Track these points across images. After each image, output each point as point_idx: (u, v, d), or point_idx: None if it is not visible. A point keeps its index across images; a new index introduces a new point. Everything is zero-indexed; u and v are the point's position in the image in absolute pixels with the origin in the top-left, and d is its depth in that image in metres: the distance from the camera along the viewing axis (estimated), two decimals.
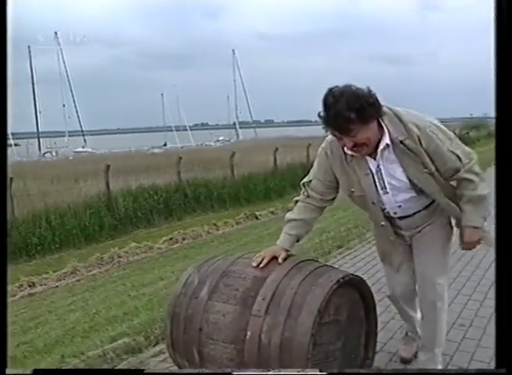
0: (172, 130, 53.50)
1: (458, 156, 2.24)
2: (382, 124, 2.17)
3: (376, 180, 2.30)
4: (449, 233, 2.53)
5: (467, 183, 2.30)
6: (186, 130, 54.61)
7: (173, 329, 2.20)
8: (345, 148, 2.21)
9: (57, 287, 6.76)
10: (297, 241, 2.45)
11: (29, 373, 1.26)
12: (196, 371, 2.10)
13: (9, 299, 6.18)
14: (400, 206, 2.37)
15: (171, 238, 8.98)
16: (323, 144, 2.40)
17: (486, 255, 4.82)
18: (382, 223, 2.45)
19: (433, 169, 2.24)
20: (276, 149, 15.13)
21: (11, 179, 9.33)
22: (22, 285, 6.96)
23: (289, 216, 2.48)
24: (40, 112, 47.92)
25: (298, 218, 2.44)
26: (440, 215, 2.48)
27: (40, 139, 46.69)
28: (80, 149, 39.27)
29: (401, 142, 2.18)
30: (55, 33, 49.32)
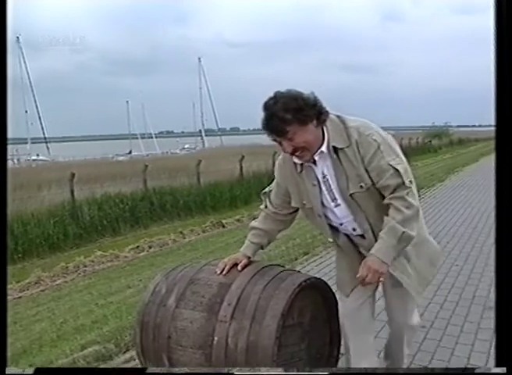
0: (137, 138, 53.09)
1: (398, 171, 2.06)
2: (325, 131, 2.10)
3: (325, 191, 2.17)
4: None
5: (395, 213, 2.06)
6: (151, 137, 54.32)
7: (143, 337, 2.26)
8: (294, 158, 2.14)
9: (20, 297, 6.63)
10: (261, 248, 2.47)
11: (30, 373, 1.30)
12: (198, 370, 2.16)
13: None
14: (354, 229, 2.23)
15: (137, 246, 8.92)
16: (279, 156, 2.36)
17: (445, 261, 5.02)
18: (330, 239, 2.30)
19: (369, 182, 2.09)
20: (242, 157, 15.21)
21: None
22: None
23: (252, 224, 2.50)
24: None
25: (260, 227, 2.45)
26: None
27: None
28: (34, 157, 38.32)
29: (339, 150, 2.08)
30: (17, 37, 48.39)
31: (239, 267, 2.30)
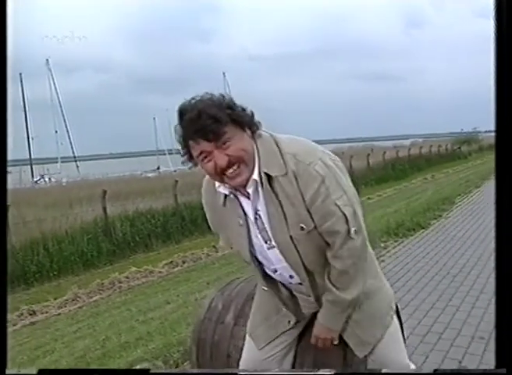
0: (164, 154, 53.52)
1: (345, 216, 1.63)
2: (255, 153, 1.63)
3: (256, 231, 1.71)
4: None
5: (338, 275, 1.70)
6: (178, 153, 54.50)
7: (199, 355, 2.17)
8: (218, 184, 1.68)
9: (59, 314, 6.65)
10: None
11: (32, 373, 1.23)
12: (199, 371, 2.07)
13: (10, 329, 6.08)
14: (291, 277, 1.79)
15: (171, 262, 8.90)
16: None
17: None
18: (264, 287, 1.88)
19: (311, 225, 1.64)
20: None
21: (8, 206, 9.26)
22: (22, 314, 6.85)
23: None
24: (32, 139, 47.91)
25: None
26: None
27: (33, 166, 46.49)
28: (38, 178, 38.48)
29: (273, 178, 1.62)
30: (47, 60, 49.56)
31: None
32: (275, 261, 1.74)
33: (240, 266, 7.73)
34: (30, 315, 6.86)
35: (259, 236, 1.70)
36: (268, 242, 1.70)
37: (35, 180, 39.20)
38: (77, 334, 4.91)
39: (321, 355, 1.91)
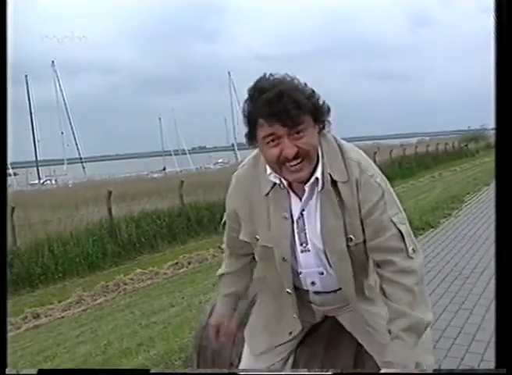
0: (170, 155, 53.59)
1: (401, 234, 1.52)
2: (318, 151, 1.53)
3: (295, 230, 1.59)
4: None
5: (401, 293, 1.50)
6: (184, 153, 54.76)
7: (200, 363, 2.07)
8: (268, 172, 1.56)
9: (63, 317, 6.59)
10: (238, 298, 1.90)
11: (32, 373, 1.18)
12: (198, 371, 1.97)
13: (14, 332, 6.04)
14: (322, 273, 1.65)
15: (176, 263, 8.82)
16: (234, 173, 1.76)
17: None
18: (289, 290, 1.69)
19: (361, 238, 1.55)
20: None
21: (12, 208, 9.24)
22: (26, 317, 6.79)
23: (219, 271, 1.92)
24: (38, 141, 48.03)
25: (228, 271, 1.88)
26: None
27: (39, 168, 46.61)
28: (35, 181, 38.37)
29: (334, 183, 1.53)
30: (52, 61, 49.68)
31: (222, 338, 1.79)
32: (304, 265, 1.63)
33: None
34: (34, 318, 6.81)
35: (296, 236, 1.59)
36: (304, 245, 1.60)
37: (42, 181, 39.31)
38: (80, 339, 4.83)
39: (329, 359, 1.80)
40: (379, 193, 1.52)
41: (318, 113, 1.48)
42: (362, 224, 1.52)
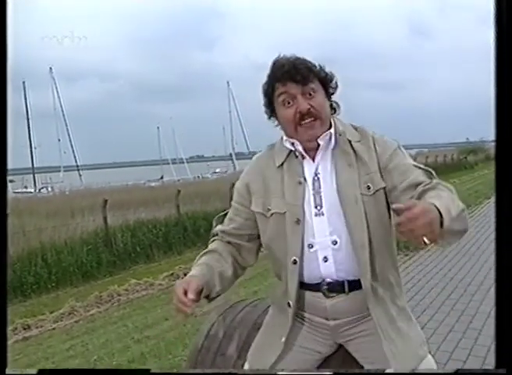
0: (168, 163, 53.52)
1: (426, 170, 1.55)
2: (331, 121, 1.65)
3: (310, 193, 1.60)
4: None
5: (439, 190, 1.41)
6: (182, 162, 54.73)
7: None
8: (284, 138, 1.64)
9: (54, 329, 6.39)
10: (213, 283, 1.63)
11: (32, 373, 1.08)
12: (198, 371, 1.81)
13: None
14: (335, 243, 1.57)
15: (172, 274, 8.64)
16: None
17: None
18: (295, 258, 1.59)
19: (380, 185, 1.55)
20: None
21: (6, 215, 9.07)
22: (16, 328, 6.59)
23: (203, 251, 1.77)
24: (35, 148, 47.83)
25: (210, 249, 1.75)
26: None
27: (36, 175, 46.38)
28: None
29: (349, 142, 1.61)
30: (50, 68, 49.65)
31: (189, 295, 1.46)
32: (317, 231, 1.58)
33: (243, 279, 7.53)
34: (25, 329, 6.61)
35: (311, 199, 1.60)
36: (318, 208, 1.59)
37: (38, 188, 39.08)
38: (69, 353, 4.66)
39: None
40: (395, 144, 1.63)
41: (326, 80, 1.63)
42: (381, 173, 1.56)
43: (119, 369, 2.36)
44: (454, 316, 4.23)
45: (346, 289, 1.58)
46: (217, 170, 49.13)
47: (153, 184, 27.87)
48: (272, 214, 1.63)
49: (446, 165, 28.65)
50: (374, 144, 1.60)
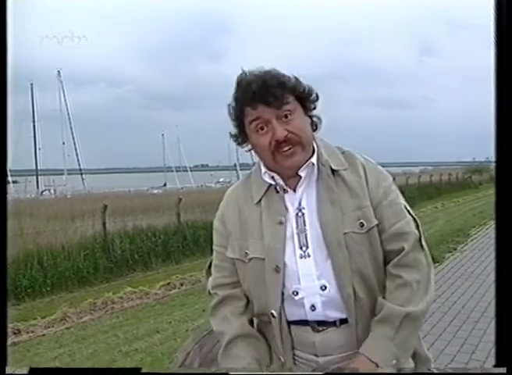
0: (172, 171, 53.55)
1: (414, 218, 1.45)
2: (314, 145, 1.46)
3: (294, 232, 1.42)
4: None
5: (395, 289, 1.38)
6: (186, 170, 54.74)
7: None
8: (262, 171, 1.47)
9: (44, 335, 6.26)
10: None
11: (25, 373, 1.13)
12: (195, 371, 1.68)
13: None
14: (324, 288, 1.40)
15: (168, 283, 8.54)
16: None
17: None
18: (273, 311, 1.43)
19: (373, 222, 1.39)
20: None
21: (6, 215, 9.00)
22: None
23: (219, 327, 1.55)
24: (39, 149, 47.90)
25: (238, 333, 1.50)
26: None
27: (39, 177, 46.45)
28: (43, 189, 37.99)
29: (335, 171, 1.44)
30: (58, 71, 49.89)
31: None
32: (303, 275, 1.40)
33: None
34: (14, 334, 6.46)
35: (295, 238, 1.41)
36: (303, 248, 1.41)
37: (40, 191, 39.10)
38: (55, 363, 4.53)
39: None
40: (390, 179, 1.49)
41: (304, 96, 1.43)
42: (374, 209, 1.41)
43: (110, 368, 2.24)
44: (456, 344, 4.03)
45: (338, 323, 1.44)
46: (220, 180, 49.11)
47: (155, 191, 27.85)
48: (250, 259, 1.45)
49: (451, 184, 28.57)
50: (365, 174, 1.44)
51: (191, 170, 56.56)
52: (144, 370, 3.43)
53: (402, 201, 1.46)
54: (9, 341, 6.15)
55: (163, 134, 59.77)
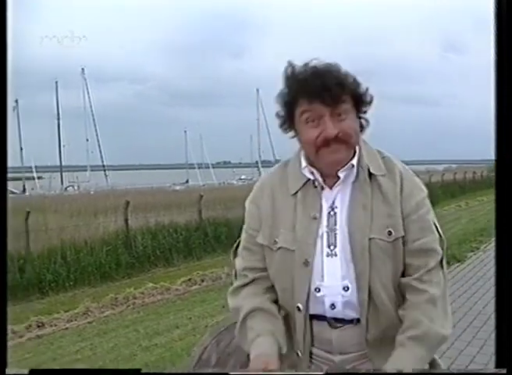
0: (194, 168, 53.76)
1: (442, 239, 1.43)
2: (356, 148, 1.45)
3: (324, 230, 1.42)
4: None
5: (424, 303, 1.36)
6: (208, 167, 54.91)
7: None
8: (303, 165, 1.45)
9: (67, 329, 6.39)
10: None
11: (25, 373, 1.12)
12: (195, 371, 1.69)
13: (16, 341, 5.85)
14: (347, 289, 1.40)
15: (189, 279, 8.62)
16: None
17: None
18: (299, 305, 1.42)
19: (401, 233, 1.38)
20: None
21: (27, 213, 9.17)
22: (30, 325, 6.60)
23: (238, 302, 1.52)
24: (63, 146, 48.49)
25: (258, 306, 1.48)
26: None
27: (63, 173, 47.07)
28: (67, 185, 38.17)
29: (373, 176, 1.43)
30: (82, 69, 50.34)
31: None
32: (327, 274, 1.41)
33: None
34: (39, 327, 6.61)
35: (324, 236, 1.41)
36: (331, 247, 1.41)
37: (64, 187, 39.60)
38: (77, 355, 4.63)
39: None
40: (425, 193, 1.46)
41: (360, 99, 1.41)
42: (403, 219, 1.39)
43: (110, 369, 2.26)
44: (476, 345, 3.95)
45: (355, 322, 1.43)
46: (242, 177, 49.09)
47: (177, 188, 27.97)
48: (278, 248, 1.44)
49: (475, 182, 28.16)
50: (401, 182, 1.42)
51: (213, 167, 56.72)
52: (160, 366, 3.48)
53: (432, 217, 1.44)
54: (33, 333, 6.29)
55: (185, 131, 60.06)
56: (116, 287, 8.46)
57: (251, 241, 1.53)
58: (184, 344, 4.35)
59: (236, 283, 1.55)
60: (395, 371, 1.27)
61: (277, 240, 1.44)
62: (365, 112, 1.45)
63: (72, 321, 6.81)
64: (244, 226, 1.58)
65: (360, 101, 1.42)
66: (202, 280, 8.66)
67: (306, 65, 1.39)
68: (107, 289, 8.43)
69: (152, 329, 5.30)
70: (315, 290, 1.41)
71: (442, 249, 1.43)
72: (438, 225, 1.44)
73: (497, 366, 1.09)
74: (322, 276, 1.41)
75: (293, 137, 1.48)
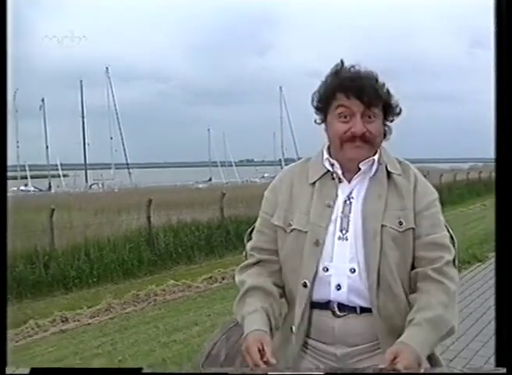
0: (217, 166, 53.92)
1: (451, 235, 1.55)
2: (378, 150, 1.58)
3: (338, 215, 1.51)
4: None
5: (439, 291, 1.43)
6: (231, 165, 55.01)
7: None
8: (325, 156, 1.56)
9: (89, 324, 6.50)
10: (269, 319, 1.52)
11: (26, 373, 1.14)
12: (195, 371, 1.73)
13: (40, 335, 6.00)
14: (353, 271, 1.48)
15: (210, 277, 8.67)
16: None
17: None
18: (306, 281, 1.49)
19: (411, 224, 1.47)
20: None
21: (52, 210, 9.36)
22: (55, 320, 6.75)
23: (241, 277, 1.65)
24: (88, 144, 49.06)
25: (256, 285, 1.57)
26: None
27: (88, 171, 47.67)
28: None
29: (388, 174, 1.54)
30: (106, 68, 50.89)
31: (271, 360, 1.36)
32: (336, 255, 1.50)
33: None
34: (62, 322, 6.75)
35: (338, 221, 1.51)
36: (343, 232, 1.51)
37: (89, 184, 40.12)
38: (98, 350, 4.72)
39: None
40: (436, 195, 1.58)
41: (389, 108, 1.55)
42: (415, 215, 1.50)
43: (111, 367, 2.33)
44: (491, 347, 3.89)
45: (358, 311, 1.49)
46: (265, 175, 49.03)
47: (200, 186, 28.12)
48: (292, 230, 1.54)
49: None
50: (415, 182, 1.54)
51: (236, 165, 56.82)
52: (177, 361, 3.53)
53: (442, 218, 1.55)
54: (57, 328, 6.43)
55: (209, 129, 60.28)
56: (138, 284, 8.56)
57: (265, 224, 1.63)
58: (202, 340, 4.39)
59: (244, 263, 1.67)
60: (395, 371, 1.28)
61: (291, 222, 1.54)
62: (392, 120, 1.58)
63: (94, 317, 6.93)
64: (260, 212, 1.68)
65: (389, 110, 1.55)
66: (223, 278, 8.71)
67: (352, 67, 1.53)
68: (129, 286, 8.55)
69: (172, 325, 5.37)
70: (323, 269, 1.49)
71: (455, 248, 1.52)
72: (449, 227, 1.56)
73: (497, 365, 1.11)
74: (331, 257, 1.50)
75: (321, 123, 1.60)
